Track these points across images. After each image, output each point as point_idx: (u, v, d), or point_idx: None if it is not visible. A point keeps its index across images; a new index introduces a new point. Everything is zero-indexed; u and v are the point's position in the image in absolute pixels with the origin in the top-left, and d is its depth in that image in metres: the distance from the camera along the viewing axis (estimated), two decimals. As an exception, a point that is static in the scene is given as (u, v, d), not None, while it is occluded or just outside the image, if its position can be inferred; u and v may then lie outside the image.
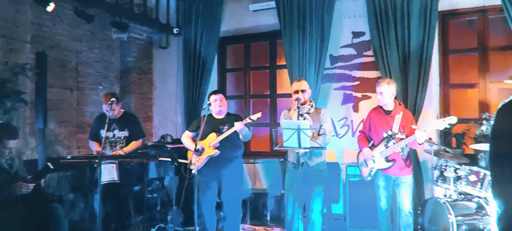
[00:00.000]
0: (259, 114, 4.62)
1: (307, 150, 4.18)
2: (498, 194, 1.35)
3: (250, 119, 4.59)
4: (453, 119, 4.05)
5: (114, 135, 5.15)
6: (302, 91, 4.42)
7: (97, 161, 4.36)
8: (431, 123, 4.15)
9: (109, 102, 5.01)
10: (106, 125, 4.93)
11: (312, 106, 4.47)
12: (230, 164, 4.73)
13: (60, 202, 5.20)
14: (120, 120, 5.23)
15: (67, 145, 6.23)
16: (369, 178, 4.54)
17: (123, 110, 5.37)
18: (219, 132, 4.67)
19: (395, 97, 4.48)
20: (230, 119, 4.82)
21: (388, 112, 4.42)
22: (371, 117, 4.57)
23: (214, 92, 4.95)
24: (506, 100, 1.35)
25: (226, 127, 4.67)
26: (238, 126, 4.50)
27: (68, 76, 6.24)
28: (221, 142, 4.64)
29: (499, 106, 1.33)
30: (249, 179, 5.91)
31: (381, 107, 4.47)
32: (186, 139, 4.95)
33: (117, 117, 5.20)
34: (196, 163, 4.55)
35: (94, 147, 5.24)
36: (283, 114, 4.57)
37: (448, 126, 4.15)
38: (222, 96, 4.85)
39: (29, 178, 4.00)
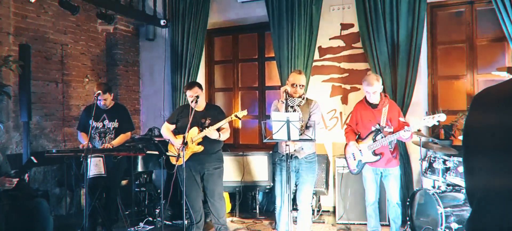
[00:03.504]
0: (245, 112, 4.60)
1: (296, 146, 4.16)
2: (469, 192, 1.27)
3: (237, 116, 4.55)
4: (442, 116, 4.03)
5: (104, 126, 5.06)
6: (301, 86, 4.29)
7: (83, 154, 4.28)
8: (421, 120, 4.13)
9: (97, 92, 4.87)
10: (93, 115, 4.76)
11: (304, 98, 4.37)
12: (211, 157, 4.71)
13: (46, 197, 5.12)
14: (111, 110, 5.12)
15: (52, 138, 6.12)
16: (356, 170, 4.54)
17: (114, 101, 5.27)
18: (201, 127, 4.64)
19: (382, 90, 4.46)
20: (211, 112, 4.78)
21: (374, 106, 4.39)
22: (358, 111, 4.55)
23: (189, 87, 4.72)
24: (478, 93, 1.29)
25: (208, 121, 4.62)
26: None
27: (53, 68, 6.13)
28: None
29: (472, 99, 1.28)
30: (238, 171, 5.87)
31: (367, 100, 4.45)
32: (167, 132, 4.86)
33: (108, 107, 5.11)
34: (183, 157, 4.48)
35: (82, 139, 5.13)
36: (274, 104, 4.51)
37: (437, 123, 4.14)
38: (196, 89, 4.67)
39: (12, 173, 3.92)
